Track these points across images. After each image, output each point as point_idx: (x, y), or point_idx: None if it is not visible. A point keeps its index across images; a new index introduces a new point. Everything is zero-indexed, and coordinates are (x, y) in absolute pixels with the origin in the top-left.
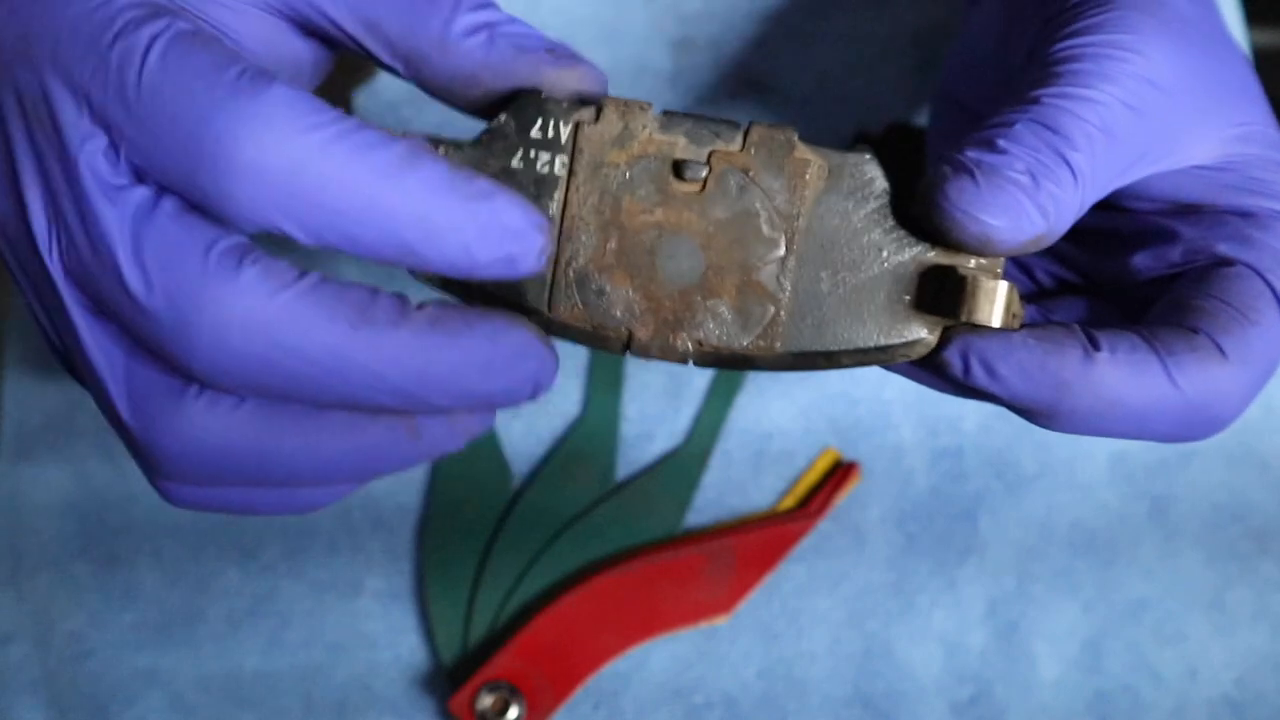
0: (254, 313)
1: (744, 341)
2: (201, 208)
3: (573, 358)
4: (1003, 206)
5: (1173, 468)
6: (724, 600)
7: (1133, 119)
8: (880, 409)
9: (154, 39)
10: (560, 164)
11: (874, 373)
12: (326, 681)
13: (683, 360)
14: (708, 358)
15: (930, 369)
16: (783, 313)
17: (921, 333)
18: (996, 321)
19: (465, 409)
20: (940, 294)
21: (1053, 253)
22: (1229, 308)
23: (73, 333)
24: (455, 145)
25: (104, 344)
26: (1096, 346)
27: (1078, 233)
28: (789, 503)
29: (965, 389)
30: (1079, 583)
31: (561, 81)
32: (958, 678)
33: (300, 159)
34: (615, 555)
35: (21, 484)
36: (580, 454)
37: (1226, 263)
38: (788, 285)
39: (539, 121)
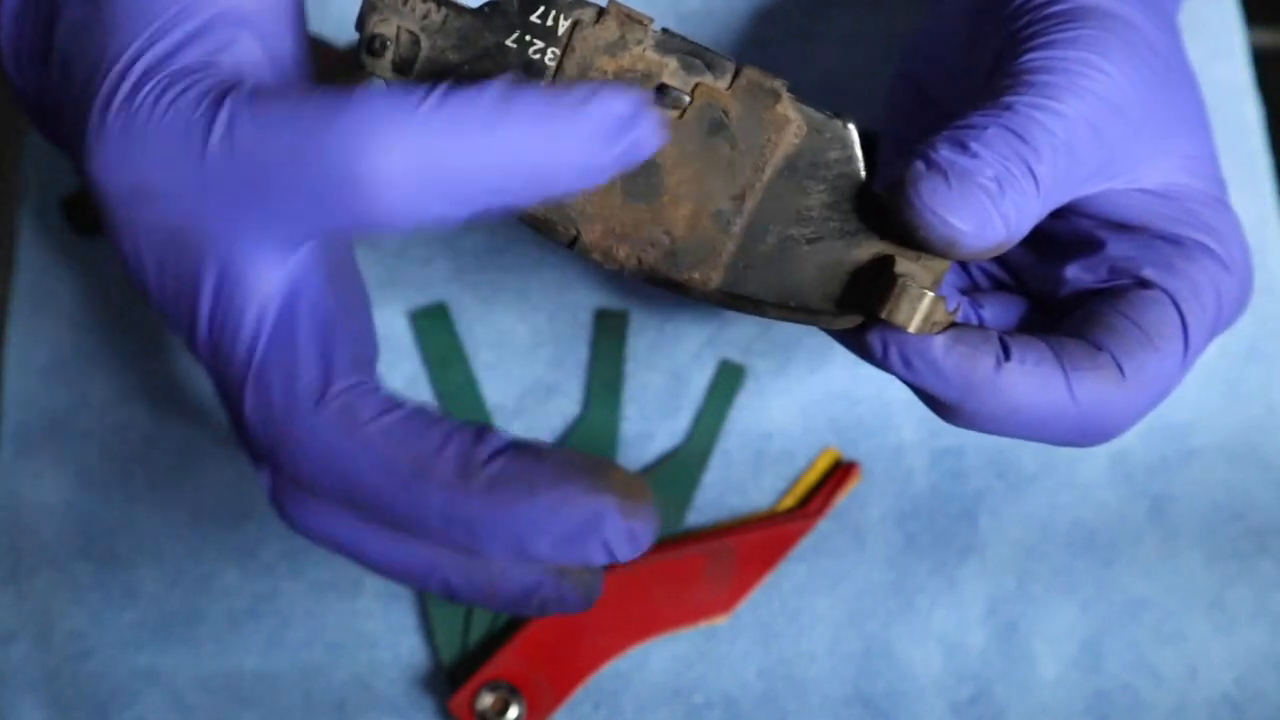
0: (332, 446)
1: (682, 271)
2: (365, 230)
3: (573, 357)
4: (971, 212)
5: (1173, 467)
6: (724, 600)
7: (1092, 137)
8: (881, 409)
9: (230, 122)
10: (551, 55)
11: (875, 373)
12: (326, 681)
13: (619, 269)
14: (643, 274)
15: (853, 341)
16: (725, 254)
17: (850, 309)
18: (912, 328)
19: (526, 563)
20: (874, 283)
21: None
22: (1138, 330)
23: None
24: (456, 9)
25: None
26: (1008, 355)
27: None
28: (789, 503)
29: (880, 366)
30: (1079, 582)
31: None
32: (957, 677)
33: (414, 146)
34: None
35: (22, 483)
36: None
37: (1147, 285)
38: (736, 229)
39: (540, 8)
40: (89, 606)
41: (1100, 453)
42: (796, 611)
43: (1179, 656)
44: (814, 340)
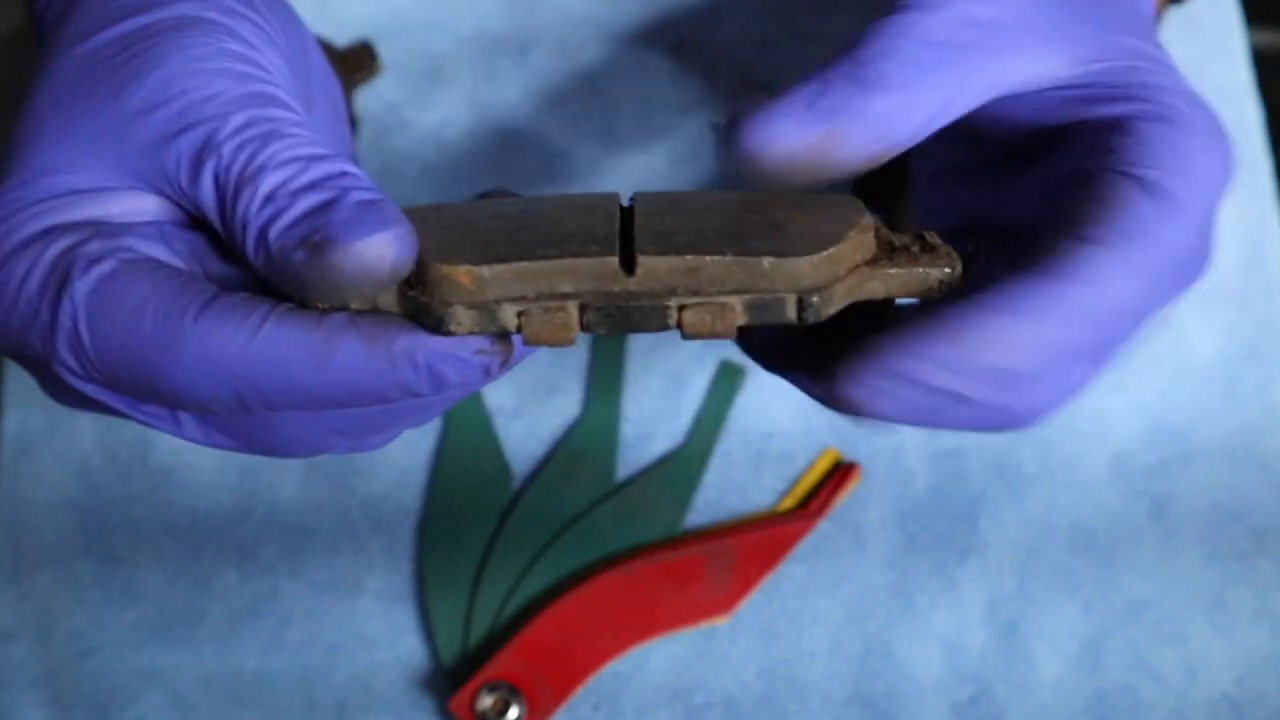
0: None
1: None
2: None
3: (573, 358)
4: (782, 110)
5: (1173, 468)
6: (724, 600)
7: (968, 30)
8: None
9: (74, 316)
10: None
11: None
12: (326, 681)
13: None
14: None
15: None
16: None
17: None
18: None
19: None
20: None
21: (958, 211)
22: (1092, 204)
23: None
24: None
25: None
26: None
27: (969, 177)
28: (789, 503)
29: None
30: (1079, 583)
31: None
32: (958, 678)
33: (228, 374)
34: (615, 555)
35: (23, 483)
36: (580, 454)
37: (1091, 173)
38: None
39: None
40: (90, 606)
41: (1100, 453)
42: (796, 612)
43: (1179, 657)
44: None
